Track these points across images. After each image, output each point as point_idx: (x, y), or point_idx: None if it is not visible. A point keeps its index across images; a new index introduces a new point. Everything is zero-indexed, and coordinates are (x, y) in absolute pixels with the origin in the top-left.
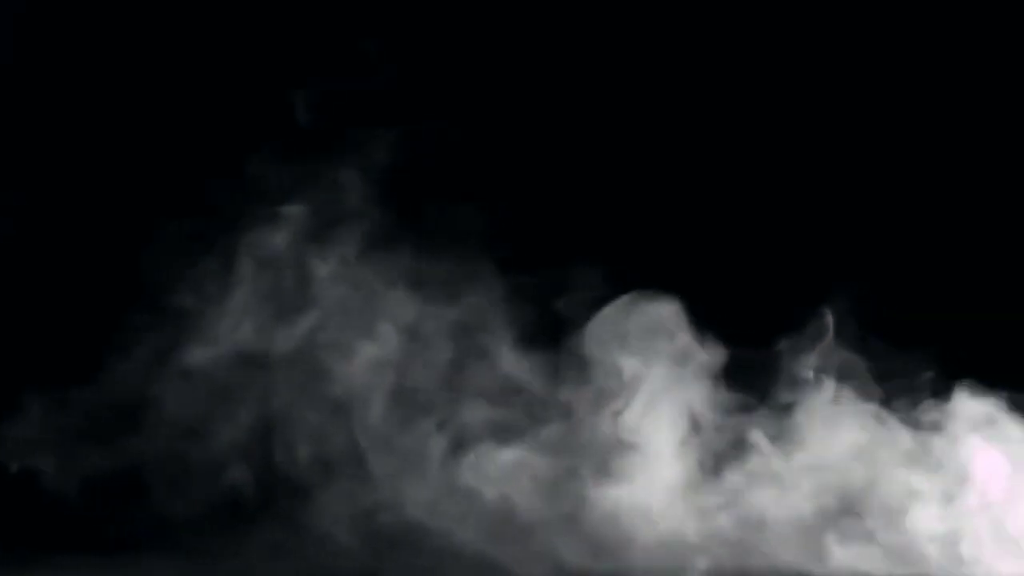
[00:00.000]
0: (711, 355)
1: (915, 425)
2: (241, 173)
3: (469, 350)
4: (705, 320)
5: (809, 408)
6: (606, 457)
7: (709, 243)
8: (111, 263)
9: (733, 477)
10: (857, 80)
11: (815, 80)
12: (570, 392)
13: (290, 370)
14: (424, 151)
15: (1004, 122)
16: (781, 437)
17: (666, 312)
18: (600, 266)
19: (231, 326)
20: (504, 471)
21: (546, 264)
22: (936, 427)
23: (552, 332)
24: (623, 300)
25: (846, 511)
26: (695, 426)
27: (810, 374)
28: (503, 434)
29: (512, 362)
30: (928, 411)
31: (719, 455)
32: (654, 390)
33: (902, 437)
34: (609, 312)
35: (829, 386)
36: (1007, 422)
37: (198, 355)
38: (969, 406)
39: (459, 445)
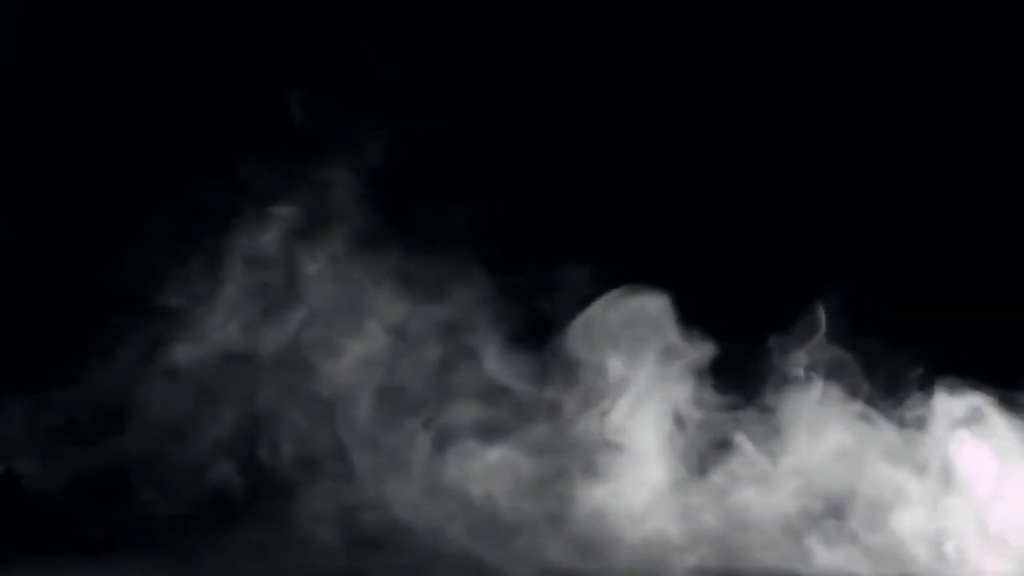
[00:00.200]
0: (699, 352)
1: (902, 423)
2: (231, 172)
3: (456, 349)
4: (694, 317)
5: (796, 407)
6: (592, 457)
7: (700, 241)
8: (97, 262)
9: (719, 477)
10: (848, 78)
11: (805, 76)
12: (557, 392)
13: (277, 369)
14: (413, 151)
15: (997, 123)
16: (767, 437)
17: (654, 308)
18: (588, 266)
19: (218, 325)
20: (490, 470)
21: (534, 264)
22: (922, 424)
23: (539, 332)
24: (610, 295)
25: (831, 511)
26: (681, 425)
27: (800, 371)
28: (489, 433)
29: (499, 362)
30: (915, 408)
31: (705, 455)
32: (641, 390)
33: (889, 435)
34: (596, 309)
35: (818, 384)
36: (995, 418)
37: (183, 354)
38: (956, 403)
39: (445, 444)
